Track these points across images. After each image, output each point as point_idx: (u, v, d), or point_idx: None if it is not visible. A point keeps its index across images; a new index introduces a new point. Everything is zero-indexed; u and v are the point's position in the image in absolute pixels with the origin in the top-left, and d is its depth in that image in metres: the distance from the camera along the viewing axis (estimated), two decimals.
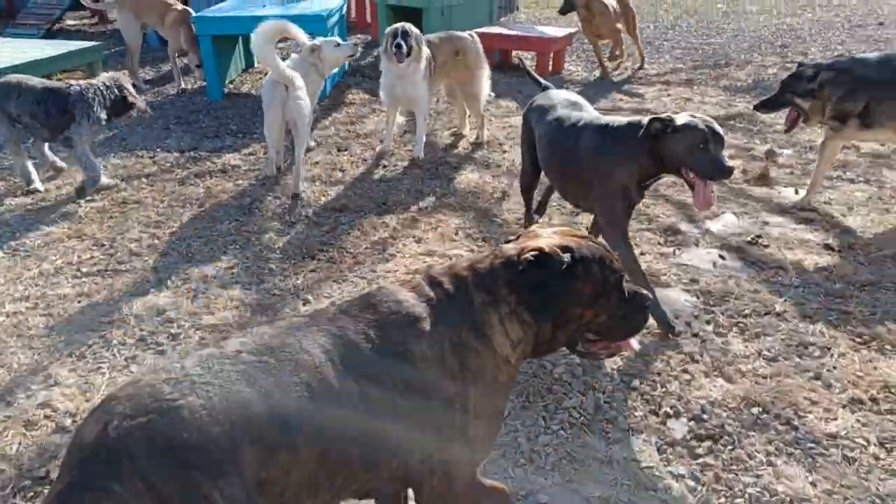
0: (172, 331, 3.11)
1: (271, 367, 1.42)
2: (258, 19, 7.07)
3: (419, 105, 5.29)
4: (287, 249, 3.86)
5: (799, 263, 3.62)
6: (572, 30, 8.57)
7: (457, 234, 4.06)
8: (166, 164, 5.30)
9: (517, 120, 6.26)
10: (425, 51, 5.14)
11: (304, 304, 3.28)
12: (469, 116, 5.87)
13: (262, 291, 3.42)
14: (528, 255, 1.62)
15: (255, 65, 8.33)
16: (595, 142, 3.04)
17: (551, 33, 8.05)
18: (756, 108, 4.30)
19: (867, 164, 5.06)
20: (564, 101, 3.47)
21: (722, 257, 3.72)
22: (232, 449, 1.30)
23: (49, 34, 10.01)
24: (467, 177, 5.00)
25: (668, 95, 7.11)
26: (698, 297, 3.33)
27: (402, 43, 4.94)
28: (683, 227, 4.10)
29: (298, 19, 6.95)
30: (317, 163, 5.31)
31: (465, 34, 5.71)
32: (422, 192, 4.73)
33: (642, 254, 3.74)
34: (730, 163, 2.74)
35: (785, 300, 3.26)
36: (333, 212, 4.39)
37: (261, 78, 7.85)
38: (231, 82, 7.63)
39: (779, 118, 6.16)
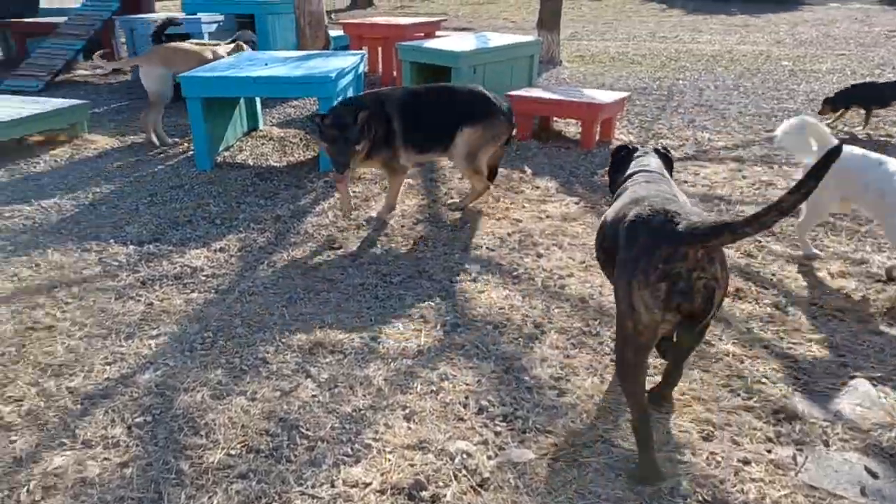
0: None
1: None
2: (257, 80, 6.11)
3: None
4: (215, 428, 2.67)
5: None
6: (625, 93, 7.39)
7: (466, 405, 2.82)
8: (114, 263, 4.21)
9: (557, 208, 5.06)
10: None
11: None
12: None
13: None
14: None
15: (260, 126, 7.33)
16: None
17: (600, 97, 6.88)
18: None
19: None
20: None
21: (872, 473, 2.41)
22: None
23: (51, 85, 9.27)
24: (489, 295, 3.79)
25: (744, 178, 5.84)
26: None
27: None
28: (801, 405, 2.79)
29: (303, 81, 5.94)
30: (305, 264, 4.17)
31: None
32: (425, 318, 3.53)
33: (744, 463, 2.46)
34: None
35: None
36: (302, 352, 3.21)
37: (264, 143, 6.84)
38: (228, 149, 6.61)
39: None
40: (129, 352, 3.22)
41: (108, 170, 6.06)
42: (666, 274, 2.12)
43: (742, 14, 19.03)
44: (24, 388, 2.90)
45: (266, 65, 6.34)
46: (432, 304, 3.70)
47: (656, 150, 3.11)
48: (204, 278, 4.03)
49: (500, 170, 6.02)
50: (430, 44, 7.76)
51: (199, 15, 8.84)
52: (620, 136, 7.23)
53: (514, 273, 4.08)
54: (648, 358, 2.36)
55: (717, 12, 19.32)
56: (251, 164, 6.27)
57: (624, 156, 3.12)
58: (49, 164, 6.19)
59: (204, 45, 7.02)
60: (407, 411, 2.77)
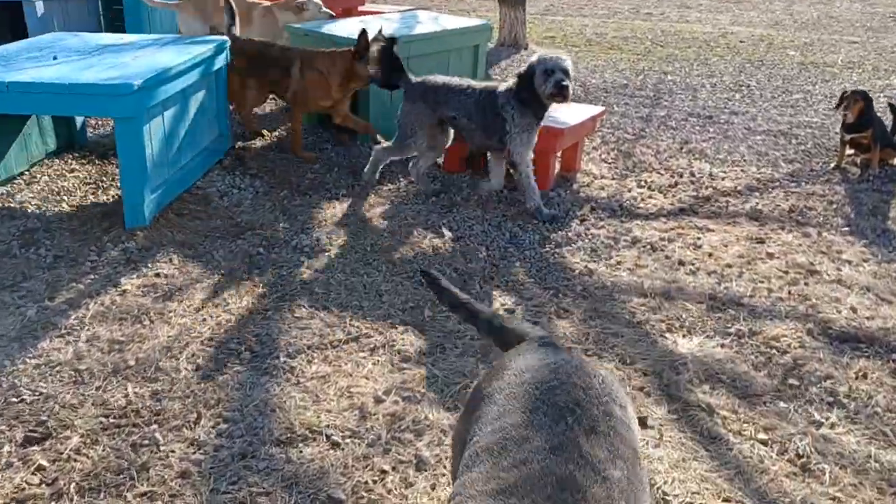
0: None
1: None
2: (11, 88, 3.77)
3: None
4: None
5: None
6: (598, 109, 5.29)
7: None
8: None
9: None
10: None
11: None
12: None
13: None
14: None
15: (86, 141, 5.15)
16: None
17: (562, 117, 4.75)
18: None
19: None
20: None
21: None
22: None
23: None
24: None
25: (770, 257, 3.86)
26: None
27: None
28: None
29: (86, 91, 3.70)
30: None
31: None
32: None
33: None
34: None
35: None
36: None
37: (74, 170, 4.69)
38: (10, 180, 4.43)
39: None
40: None
41: None
42: None
43: None
44: None
45: (55, 58, 4.16)
46: None
47: None
48: None
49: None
50: (330, 28, 5.58)
51: None
52: (590, 166, 5.18)
53: None
54: None
55: None
56: (32, 209, 4.12)
57: None
58: None
59: None
60: None
